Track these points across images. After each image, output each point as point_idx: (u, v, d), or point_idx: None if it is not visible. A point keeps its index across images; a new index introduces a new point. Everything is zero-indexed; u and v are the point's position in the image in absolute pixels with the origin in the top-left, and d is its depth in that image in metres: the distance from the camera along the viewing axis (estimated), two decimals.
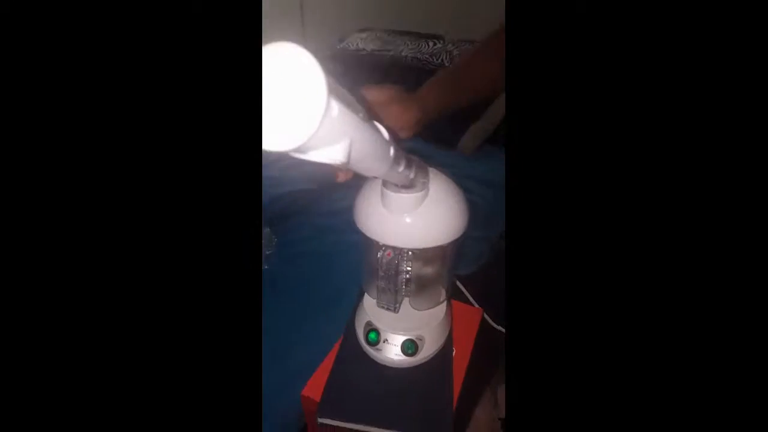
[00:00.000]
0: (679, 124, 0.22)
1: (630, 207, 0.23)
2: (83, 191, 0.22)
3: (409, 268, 0.45)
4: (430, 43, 1.27)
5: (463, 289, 0.67)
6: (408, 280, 0.46)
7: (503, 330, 0.65)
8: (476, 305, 0.65)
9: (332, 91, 0.18)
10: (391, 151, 0.30)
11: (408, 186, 0.39)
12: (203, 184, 0.23)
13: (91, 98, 0.22)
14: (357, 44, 1.39)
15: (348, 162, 0.23)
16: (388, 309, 0.47)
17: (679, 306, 0.23)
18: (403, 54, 1.27)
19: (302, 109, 0.17)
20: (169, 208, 0.23)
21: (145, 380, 0.22)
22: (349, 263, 0.68)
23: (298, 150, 0.19)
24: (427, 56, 1.22)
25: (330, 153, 0.22)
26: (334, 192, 0.88)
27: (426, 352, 0.49)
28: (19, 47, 0.21)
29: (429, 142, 1.20)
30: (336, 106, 0.19)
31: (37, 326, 0.21)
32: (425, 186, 0.40)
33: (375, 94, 0.54)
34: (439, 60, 1.19)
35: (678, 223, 0.23)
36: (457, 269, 0.71)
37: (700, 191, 0.22)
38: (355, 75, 1.45)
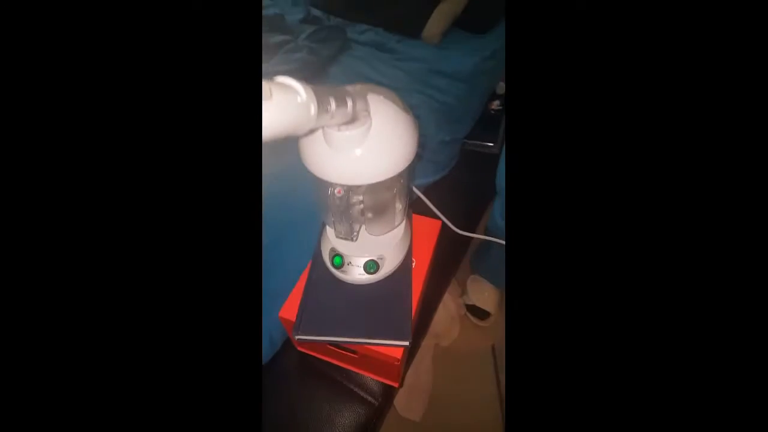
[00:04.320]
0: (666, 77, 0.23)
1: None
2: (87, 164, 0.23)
3: (361, 199, 0.46)
4: None
5: (425, 199, 0.69)
6: (362, 211, 0.48)
7: (462, 232, 0.70)
8: (438, 213, 0.68)
9: None
10: (312, 108, 0.29)
11: (349, 122, 0.38)
12: (212, 142, 0.25)
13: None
14: None
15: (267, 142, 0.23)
16: (346, 239, 0.49)
17: (670, 240, 0.23)
18: None
19: None
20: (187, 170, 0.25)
21: (160, 310, 0.25)
22: (311, 188, 0.69)
23: None
24: None
25: None
26: None
27: (387, 268, 0.53)
28: (13, 49, 0.21)
29: (391, 32, 1.11)
30: None
31: (30, 300, 0.23)
32: (368, 118, 0.39)
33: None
34: None
35: (669, 162, 0.23)
36: (411, 191, 0.73)
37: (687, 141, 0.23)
38: None
